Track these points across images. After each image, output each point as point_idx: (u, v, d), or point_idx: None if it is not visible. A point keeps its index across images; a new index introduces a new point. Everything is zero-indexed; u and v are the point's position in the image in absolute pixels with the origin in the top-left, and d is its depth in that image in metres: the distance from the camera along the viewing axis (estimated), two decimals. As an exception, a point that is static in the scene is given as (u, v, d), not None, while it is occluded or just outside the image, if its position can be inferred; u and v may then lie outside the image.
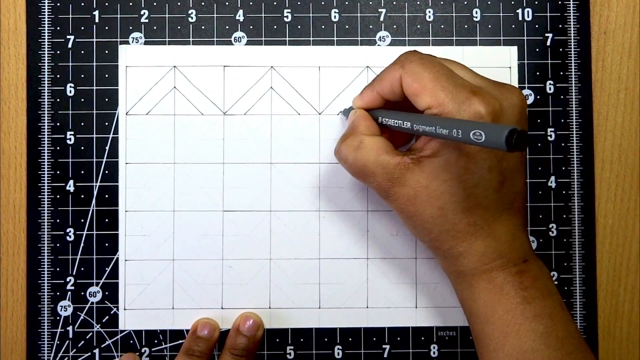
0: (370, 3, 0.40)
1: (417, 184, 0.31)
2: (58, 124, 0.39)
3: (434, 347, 0.39)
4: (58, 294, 0.39)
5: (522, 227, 0.33)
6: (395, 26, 0.40)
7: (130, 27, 0.39)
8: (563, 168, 0.39)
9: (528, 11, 0.40)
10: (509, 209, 0.32)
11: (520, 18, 0.40)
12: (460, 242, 0.31)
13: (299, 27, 0.40)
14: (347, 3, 0.40)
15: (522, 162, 0.33)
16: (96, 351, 0.39)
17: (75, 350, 0.39)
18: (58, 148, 0.39)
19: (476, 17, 0.40)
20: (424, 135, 0.31)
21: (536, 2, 0.40)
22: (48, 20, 0.39)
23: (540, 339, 0.30)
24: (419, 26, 0.40)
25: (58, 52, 0.39)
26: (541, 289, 0.31)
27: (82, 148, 0.39)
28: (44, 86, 0.39)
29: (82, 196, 0.39)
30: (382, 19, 0.40)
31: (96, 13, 0.39)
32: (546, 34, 0.40)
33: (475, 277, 0.32)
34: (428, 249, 0.34)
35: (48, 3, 0.39)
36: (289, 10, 0.40)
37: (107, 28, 0.39)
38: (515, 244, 0.32)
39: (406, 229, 0.35)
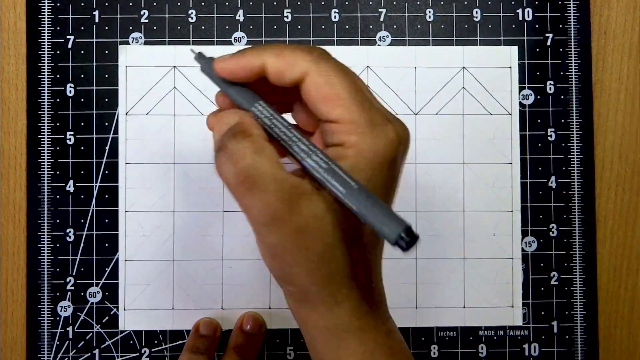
0: (370, 3, 0.40)
1: (310, 214, 0.25)
2: (58, 124, 0.39)
3: (434, 348, 0.39)
4: (58, 294, 0.39)
5: (380, 275, 0.29)
6: (395, 26, 0.40)
7: (130, 27, 0.39)
8: (563, 168, 0.39)
9: (528, 11, 0.40)
10: (380, 251, 0.29)
11: (520, 18, 0.40)
12: (341, 288, 0.27)
13: (299, 27, 0.40)
14: (347, 3, 0.40)
15: None
16: (96, 351, 0.39)
17: (75, 350, 0.39)
18: (58, 148, 0.39)
19: (476, 17, 0.40)
20: (308, 171, 0.25)
21: (536, 2, 0.40)
22: (48, 20, 0.39)
23: None
24: (419, 26, 0.40)
25: (58, 52, 0.39)
26: (406, 355, 0.29)
27: (82, 148, 0.39)
28: (44, 86, 0.39)
29: (82, 196, 0.39)
30: (382, 19, 0.40)
31: (96, 13, 0.39)
32: (546, 34, 0.40)
33: (348, 335, 0.28)
34: (293, 296, 0.28)
35: (48, 3, 0.39)
36: (289, 10, 0.40)
37: (107, 28, 0.39)
38: (380, 295, 0.29)
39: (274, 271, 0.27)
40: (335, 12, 0.40)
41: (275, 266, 0.27)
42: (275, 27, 0.39)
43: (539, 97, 0.40)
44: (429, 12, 0.40)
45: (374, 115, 0.26)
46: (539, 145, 0.39)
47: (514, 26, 0.40)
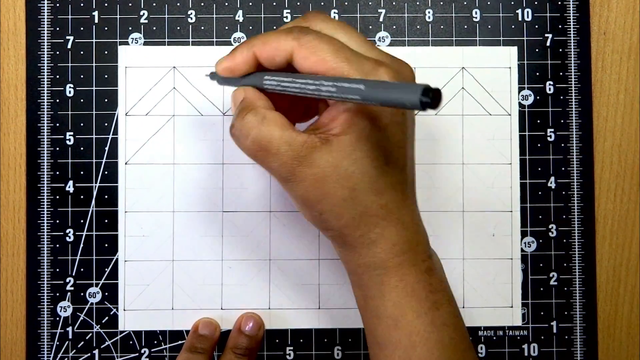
0: (370, 3, 0.40)
1: (326, 164, 0.27)
2: (57, 124, 0.39)
3: (433, 348, 0.39)
4: (58, 294, 0.39)
5: (420, 216, 0.31)
6: (394, 27, 0.40)
7: (130, 28, 0.39)
8: (563, 169, 0.39)
9: (528, 11, 0.40)
10: (411, 192, 0.30)
11: (520, 18, 0.40)
12: (373, 227, 0.29)
13: (299, 27, 0.40)
14: (346, 3, 0.40)
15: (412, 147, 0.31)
16: (96, 352, 0.39)
17: (74, 351, 0.39)
18: (57, 149, 0.39)
19: (476, 18, 0.40)
20: (329, 98, 0.27)
21: (536, 3, 0.40)
22: (47, 21, 0.39)
23: (446, 352, 0.29)
24: (418, 27, 0.40)
25: (57, 52, 0.39)
26: (447, 293, 0.30)
27: (82, 149, 0.39)
28: (44, 87, 0.39)
29: (82, 197, 0.39)
30: (381, 19, 0.40)
31: (95, 13, 0.39)
32: (546, 35, 0.40)
33: (387, 272, 0.29)
34: (334, 240, 0.30)
35: (47, 4, 0.39)
36: (289, 11, 0.40)
37: (106, 29, 0.39)
38: (420, 234, 0.30)
39: (309, 219, 0.30)
40: (334, 12, 0.40)
41: (308, 215, 0.29)
42: (274, 27, 0.39)
43: (538, 97, 0.40)
44: (428, 12, 0.40)
45: (363, 65, 0.27)
46: (539, 145, 0.39)
47: (513, 26, 0.40)
